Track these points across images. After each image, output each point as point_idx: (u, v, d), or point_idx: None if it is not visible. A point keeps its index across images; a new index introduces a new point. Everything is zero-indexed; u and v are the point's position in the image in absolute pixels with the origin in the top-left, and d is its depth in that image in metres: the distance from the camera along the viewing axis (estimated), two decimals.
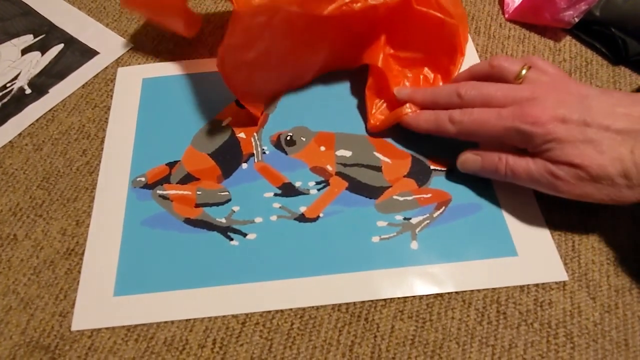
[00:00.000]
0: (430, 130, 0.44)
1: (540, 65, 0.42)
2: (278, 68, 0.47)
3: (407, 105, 0.45)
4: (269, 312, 0.39)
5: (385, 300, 0.39)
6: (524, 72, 0.41)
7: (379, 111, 0.48)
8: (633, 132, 0.36)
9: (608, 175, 0.36)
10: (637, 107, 0.36)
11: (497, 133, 0.40)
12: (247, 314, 0.39)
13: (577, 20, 0.52)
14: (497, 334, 0.37)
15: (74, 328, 0.38)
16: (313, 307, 0.39)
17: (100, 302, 0.39)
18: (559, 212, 0.41)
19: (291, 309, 0.39)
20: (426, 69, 0.49)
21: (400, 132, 0.47)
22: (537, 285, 0.39)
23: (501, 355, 0.37)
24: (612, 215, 0.42)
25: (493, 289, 0.39)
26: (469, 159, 0.43)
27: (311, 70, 0.50)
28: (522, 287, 0.39)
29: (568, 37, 0.54)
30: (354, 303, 0.39)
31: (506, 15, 0.56)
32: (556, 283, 0.39)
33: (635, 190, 0.36)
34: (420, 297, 0.39)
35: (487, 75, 0.44)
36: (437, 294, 0.39)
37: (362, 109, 0.49)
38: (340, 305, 0.39)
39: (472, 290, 0.39)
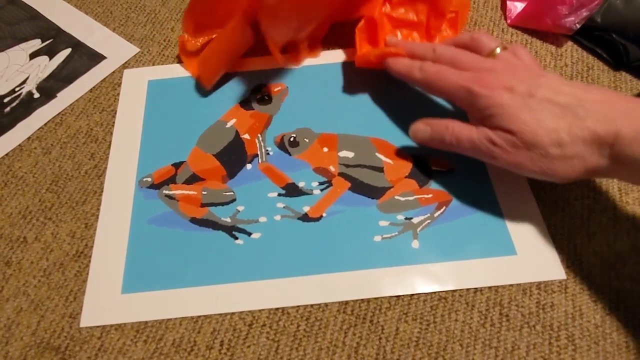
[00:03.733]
0: (402, 73, 0.44)
1: (518, 51, 0.41)
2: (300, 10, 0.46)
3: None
4: (276, 313, 0.37)
5: (389, 302, 0.37)
6: (498, 50, 0.41)
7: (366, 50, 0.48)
8: (574, 107, 0.34)
9: (541, 143, 0.34)
10: (586, 90, 0.35)
11: (451, 88, 0.39)
12: (253, 316, 0.37)
13: (578, 26, 0.50)
14: (500, 336, 0.36)
15: (82, 324, 0.37)
16: (319, 309, 0.37)
17: (108, 299, 0.38)
18: (561, 216, 0.40)
19: (297, 311, 0.37)
20: (415, 34, 0.50)
21: (402, 134, 0.45)
22: (539, 287, 0.38)
23: (504, 357, 0.35)
24: (613, 219, 0.41)
25: (496, 291, 0.38)
26: (420, 129, 0.42)
27: (321, 16, 0.49)
28: (524, 289, 0.37)
29: (570, 43, 0.52)
30: (359, 305, 0.37)
31: (508, 21, 0.54)
32: (558, 286, 0.38)
33: (568, 163, 0.34)
34: (424, 299, 0.37)
35: (466, 45, 0.43)
36: (441, 296, 0.37)
37: (364, 111, 0.47)
38: (345, 307, 0.37)
39: (475, 293, 0.37)
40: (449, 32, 0.51)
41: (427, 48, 0.44)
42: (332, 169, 0.44)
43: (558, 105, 0.35)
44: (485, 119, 0.37)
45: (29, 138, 0.47)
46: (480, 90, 0.37)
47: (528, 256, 0.38)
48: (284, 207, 0.42)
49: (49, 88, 0.50)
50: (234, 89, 0.49)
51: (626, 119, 0.32)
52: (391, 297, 0.37)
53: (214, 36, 0.50)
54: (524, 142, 0.35)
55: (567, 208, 0.41)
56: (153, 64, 0.52)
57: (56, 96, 0.49)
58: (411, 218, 0.41)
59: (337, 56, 0.51)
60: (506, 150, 0.36)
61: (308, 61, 0.51)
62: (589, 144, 0.33)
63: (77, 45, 0.53)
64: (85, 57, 0.52)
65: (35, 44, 0.54)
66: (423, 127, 0.42)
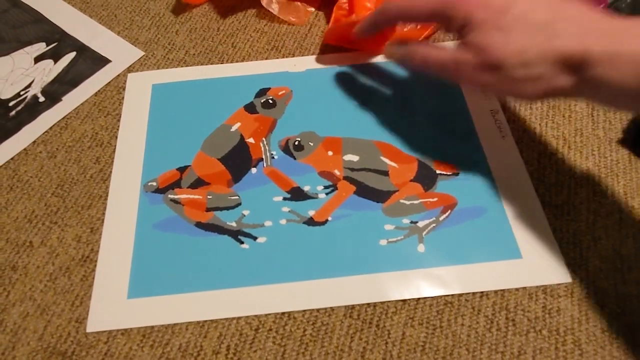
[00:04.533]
0: (370, 19, 0.43)
1: None
2: None
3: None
4: (282, 318, 0.37)
5: (396, 306, 0.37)
6: None
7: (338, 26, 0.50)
8: (546, 25, 0.32)
9: (506, 64, 0.33)
10: (564, 7, 0.33)
11: (425, 11, 0.37)
12: (260, 320, 0.37)
13: None
14: (507, 340, 0.35)
15: (88, 330, 0.37)
16: (325, 313, 0.37)
17: (114, 304, 0.38)
18: (566, 220, 0.39)
19: (303, 315, 0.37)
20: None
21: (406, 136, 0.45)
22: (545, 292, 0.37)
23: None
24: (619, 223, 0.40)
25: (502, 295, 0.37)
26: (393, 48, 0.42)
27: None
28: (530, 294, 0.37)
29: None
30: (365, 309, 0.37)
31: None
32: (564, 290, 0.37)
33: (532, 84, 0.33)
34: (430, 304, 0.37)
35: None
36: (447, 301, 0.37)
37: (368, 115, 0.47)
38: (351, 311, 0.37)
39: (481, 297, 0.37)
40: None
41: None
42: (337, 172, 0.43)
43: (531, 23, 0.32)
44: (459, 36, 0.36)
45: (34, 142, 0.46)
46: (455, 8, 0.35)
47: (534, 260, 0.38)
48: (289, 211, 0.41)
49: (54, 92, 0.50)
50: (238, 93, 0.49)
51: (598, 38, 0.30)
52: (397, 301, 0.37)
53: None
54: (490, 61, 0.34)
55: (572, 212, 0.41)
56: (158, 68, 0.51)
57: (61, 100, 0.49)
58: (417, 222, 0.40)
59: (341, 59, 0.51)
60: (472, 70, 0.35)
61: (312, 64, 0.51)
62: (556, 65, 0.32)
63: (82, 49, 0.53)
64: (89, 61, 0.52)
65: (40, 47, 0.53)
66: (396, 47, 0.41)
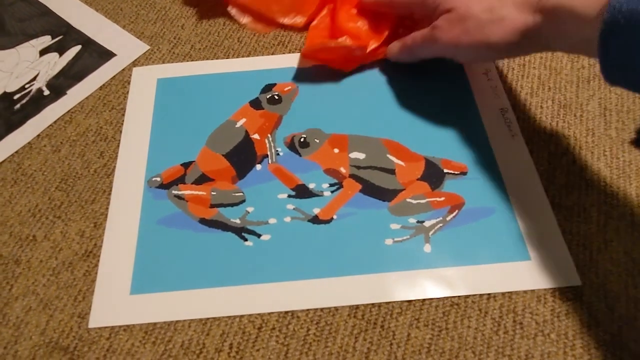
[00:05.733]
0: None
1: None
2: None
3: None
4: (285, 317, 0.36)
5: (401, 307, 0.37)
6: None
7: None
8: None
9: (473, 12, 0.40)
10: None
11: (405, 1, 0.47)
12: (263, 319, 0.36)
13: None
14: (514, 344, 0.35)
15: (91, 325, 0.37)
16: (329, 313, 0.37)
17: (117, 300, 0.38)
18: (576, 222, 0.39)
19: (307, 315, 0.37)
20: None
21: (414, 135, 0.45)
22: (554, 295, 0.37)
23: None
24: (631, 226, 0.40)
25: (509, 297, 0.37)
26: (393, 47, 0.48)
27: None
28: (538, 296, 0.37)
29: None
30: (370, 309, 0.37)
31: None
32: (573, 293, 0.37)
33: (498, 26, 0.39)
34: (436, 305, 0.37)
35: None
36: (453, 302, 0.37)
37: (375, 112, 0.47)
38: (356, 311, 0.37)
39: (488, 299, 0.37)
40: None
41: None
42: (342, 170, 0.43)
43: None
44: (435, 11, 0.43)
45: (38, 136, 0.46)
46: None
47: (542, 262, 0.38)
48: (294, 208, 0.41)
49: (59, 85, 0.50)
50: (243, 88, 0.48)
51: None
52: (402, 302, 0.37)
53: None
54: (459, 16, 0.40)
55: (583, 214, 0.40)
56: (163, 62, 0.51)
57: (66, 93, 0.49)
58: (423, 221, 0.40)
59: None
60: (444, 29, 0.41)
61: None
62: (518, 5, 0.38)
63: (87, 42, 0.53)
64: (95, 54, 0.52)
65: (45, 40, 0.53)
66: (395, 45, 0.48)
